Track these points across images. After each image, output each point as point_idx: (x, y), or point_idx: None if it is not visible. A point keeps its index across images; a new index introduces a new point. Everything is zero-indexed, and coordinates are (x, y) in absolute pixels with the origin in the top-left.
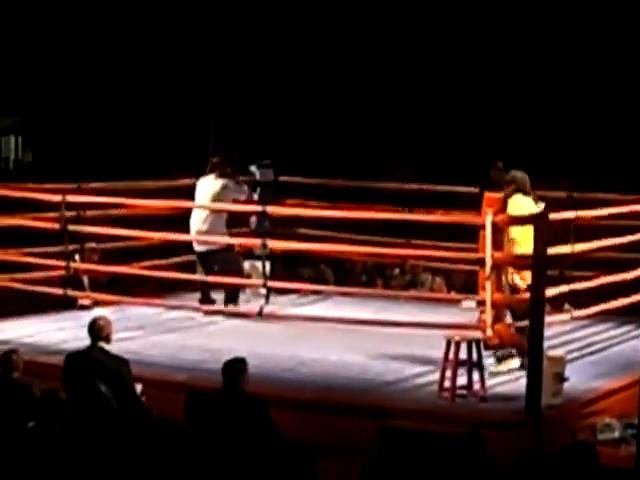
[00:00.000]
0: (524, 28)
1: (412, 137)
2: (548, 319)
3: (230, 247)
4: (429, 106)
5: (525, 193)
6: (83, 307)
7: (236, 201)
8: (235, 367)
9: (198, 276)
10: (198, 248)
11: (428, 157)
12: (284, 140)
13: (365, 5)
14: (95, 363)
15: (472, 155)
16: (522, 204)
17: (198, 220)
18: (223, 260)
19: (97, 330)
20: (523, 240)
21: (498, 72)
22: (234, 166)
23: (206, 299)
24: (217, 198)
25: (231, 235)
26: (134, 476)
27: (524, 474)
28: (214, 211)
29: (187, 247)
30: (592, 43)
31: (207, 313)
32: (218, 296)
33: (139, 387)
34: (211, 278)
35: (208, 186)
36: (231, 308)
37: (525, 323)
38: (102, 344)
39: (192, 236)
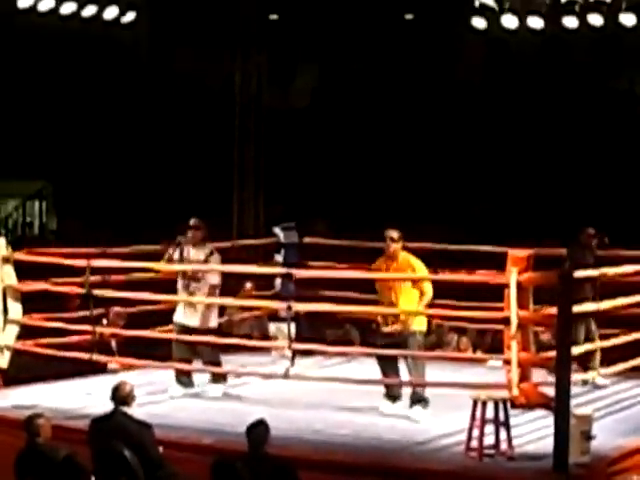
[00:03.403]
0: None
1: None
2: (574, 377)
3: None
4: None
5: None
6: (111, 371)
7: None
8: (258, 430)
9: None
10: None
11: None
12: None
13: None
14: (118, 428)
15: None
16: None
17: None
18: None
19: (119, 395)
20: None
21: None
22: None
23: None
24: None
25: (256, 297)
26: None
27: None
28: None
29: None
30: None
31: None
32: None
33: (159, 450)
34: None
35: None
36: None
37: None
38: (125, 408)
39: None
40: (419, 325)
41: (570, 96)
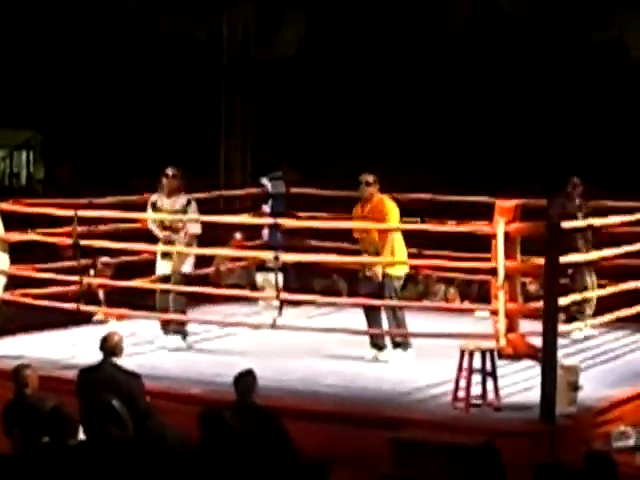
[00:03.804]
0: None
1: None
2: (561, 328)
3: None
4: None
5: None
6: (97, 321)
7: None
8: (245, 380)
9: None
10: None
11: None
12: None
13: None
14: (107, 378)
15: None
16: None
17: None
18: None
19: (108, 345)
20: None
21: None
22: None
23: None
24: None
25: (244, 248)
26: None
27: None
28: None
29: (202, 260)
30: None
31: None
32: None
33: (148, 400)
34: None
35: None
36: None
37: None
38: (114, 359)
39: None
40: (395, 270)
41: (559, 46)
